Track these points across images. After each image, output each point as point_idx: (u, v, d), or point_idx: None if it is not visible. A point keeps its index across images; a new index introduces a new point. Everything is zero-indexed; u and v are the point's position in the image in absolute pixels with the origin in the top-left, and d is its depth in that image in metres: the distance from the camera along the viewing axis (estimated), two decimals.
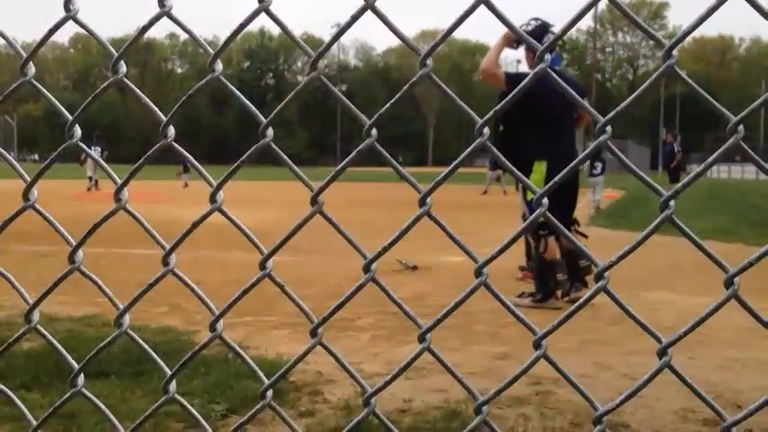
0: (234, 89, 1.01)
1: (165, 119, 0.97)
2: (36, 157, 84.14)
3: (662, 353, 0.90)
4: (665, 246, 8.52)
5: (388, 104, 0.91)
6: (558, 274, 6.29)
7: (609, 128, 0.86)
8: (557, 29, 6.30)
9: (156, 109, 0.98)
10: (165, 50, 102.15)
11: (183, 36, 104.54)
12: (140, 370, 3.91)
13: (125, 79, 1.00)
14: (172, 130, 0.98)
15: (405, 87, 0.90)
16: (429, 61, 0.89)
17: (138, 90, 1.02)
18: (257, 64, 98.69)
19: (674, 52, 0.82)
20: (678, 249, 8.85)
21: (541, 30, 6.11)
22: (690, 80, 0.84)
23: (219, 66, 0.96)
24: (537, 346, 0.95)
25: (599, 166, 16.92)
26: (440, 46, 0.93)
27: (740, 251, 9.50)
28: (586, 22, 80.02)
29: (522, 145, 5.99)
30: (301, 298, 4.90)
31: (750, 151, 0.83)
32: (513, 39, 6.03)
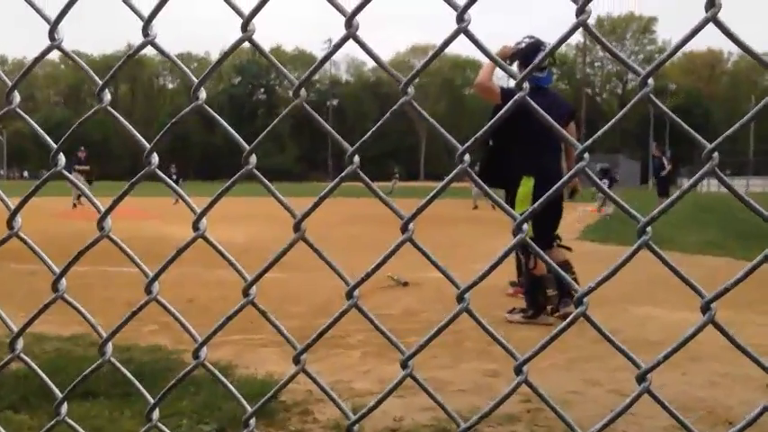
0: (217, 117, 1.02)
1: (148, 146, 0.98)
2: (26, 174, 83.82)
3: (641, 378, 0.91)
4: (650, 260, 8.54)
5: (369, 133, 0.92)
6: (548, 289, 6.30)
7: (587, 155, 0.87)
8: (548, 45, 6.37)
9: (140, 137, 0.99)
10: (155, 66, 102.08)
11: (175, 50, 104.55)
12: (129, 390, 3.88)
13: (109, 108, 1.00)
14: (155, 158, 0.99)
15: (386, 115, 0.91)
16: (410, 89, 0.90)
17: (122, 119, 1.02)
18: (248, 79, 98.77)
19: (650, 80, 0.83)
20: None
21: (534, 47, 6.15)
22: (666, 108, 0.85)
23: (203, 93, 0.97)
24: (518, 371, 0.96)
25: (606, 182, 17.57)
26: (420, 72, 0.93)
27: (729, 265, 9.54)
28: (576, 38, 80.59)
29: (510, 160, 6.05)
30: (289, 316, 4.89)
31: (725, 179, 0.84)
32: (507, 56, 6.10)
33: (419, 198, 0.98)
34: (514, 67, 6.29)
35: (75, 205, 24.08)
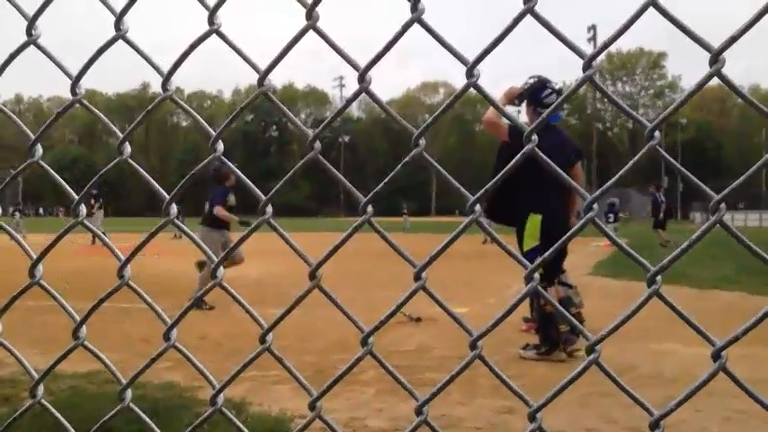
0: (236, 170, 1.04)
1: (168, 197, 1.01)
2: (41, 210, 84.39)
3: (654, 425, 0.91)
4: (669, 295, 8.49)
5: (381, 184, 0.94)
6: (561, 325, 6.27)
7: (596, 205, 0.89)
8: (549, 80, 6.45)
9: (160, 188, 1.02)
10: (169, 104, 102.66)
11: (188, 90, 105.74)
12: (143, 428, 3.88)
13: (130, 160, 1.03)
14: (174, 209, 1.01)
15: (398, 167, 0.93)
16: (422, 141, 0.92)
17: (142, 171, 1.05)
18: (261, 116, 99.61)
19: (657, 133, 0.85)
20: (682, 298, 8.82)
21: (540, 86, 6.26)
22: (672, 159, 0.87)
23: (221, 146, 0.99)
24: (532, 418, 0.96)
25: (611, 216, 18.25)
26: (431, 126, 0.96)
27: (743, 300, 9.46)
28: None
29: (517, 197, 6.08)
30: (306, 352, 4.90)
31: (733, 229, 0.85)
32: (515, 97, 6.21)
33: (431, 233, 1.00)
34: (523, 107, 6.37)
35: (94, 241, 24.20)
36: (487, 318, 1.04)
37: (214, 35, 0.95)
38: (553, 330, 6.18)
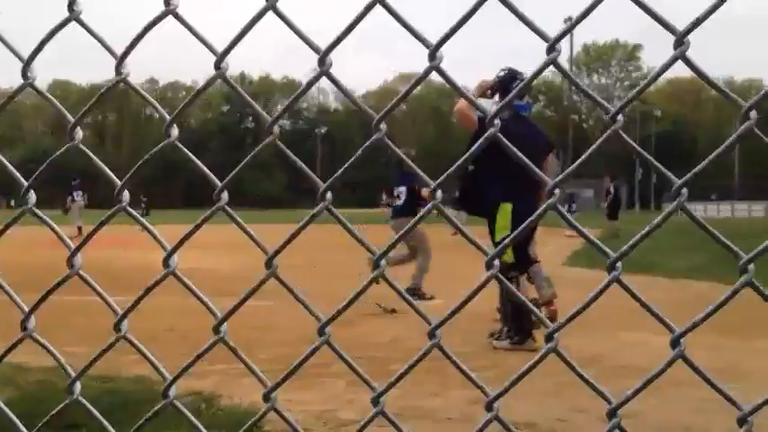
0: (191, 155, 1.01)
1: (119, 183, 0.98)
2: (12, 203, 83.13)
3: (612, 414, 0.90)
4: (640, 284, 8.58)
5: (340, 171, 0.92)
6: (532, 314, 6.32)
7: (557, 191, 0.88)
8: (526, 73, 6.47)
9: (112, 174, 0.99)
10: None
11: (163, 81, 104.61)
12: (111, 421, 3.83)
13: (81, 146, 1.00)
14: (126, 195, 0.98)
15: (358, 152, 0.91)
16: (383, 126, 0.90)
17: (93, 156, 1.02)
18: (237, 107, 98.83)
19: (619, 117, 0.84)
20: (653, 288, 8.91)
21: (511, 77, 6.31)
22: (635, 144, 0.86)
23: (175, 131, 0.97)
24: (489, 408, 0.95)
25: (573, 205, 18.55)
26: (392, 110, 0.94)
27: (713, 290, 9.56)
28: (562, 64, 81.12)
29: (489, 186, 6.13)
30: (276, 344, 4.86)
31: (693, 215, 0.85)
32: (487, 88, 6.25)
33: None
34: (496, 98, 6.40)
35: (75, 237, 23.40)
36: (461, 308, 1.02)
37: (171, 17, 0.92)
38: (525, 320, 6.22)
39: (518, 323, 6.25)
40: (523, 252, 6.34)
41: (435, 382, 4.83)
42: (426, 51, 0.88)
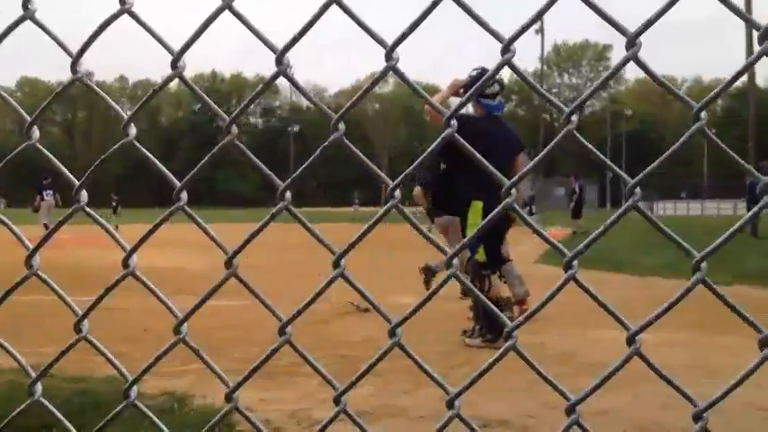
0: (149, 154, 1.01)
1: (77, 183, 0.97)
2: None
3: (570, 410, 0.91)
4: (612, 283, 8.67)
5: (299, 171, 0.92)
6: (504, 312, 6.36)
7: (514, 190, 0.89)
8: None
9: (69, 174, 0.98)
10: (114, 93, 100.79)
11: (133, 78, 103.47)
12: (83, 422, 3.79)
13: (38, 145, 0.99)
14: (84, 195, 0.98)
15: (316, 153, 0.91)
16: (341, 125, 0.91)
17: (51, 155, 1.01)
18: (208, 106, 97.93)
19: (573, 117, 0.85)
20: (624, 286, 9.01)
21: (482, 76, 6.35)
22: (590, 145, 0.87)
23: (133, 130, 0.96)
24: (450, 405, 0.96)
25: (533, 207, 19.58)
26: (349, 110, 0.94)
27: (681, 287, 9.67)
28: (534, 64, 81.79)
29: (460, 185, 6.18)
30: (254, 343, 4.81)
31: (647, 213, 0.86)
32: (460, 87, 6.30)
33: (381, 223, 0.98)
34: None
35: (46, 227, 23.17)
36: (431, 309, 1.03)
37: (126, 15, 0.92)
38: (497, 318, 6.26)
39: (490, 321, 6.28)
40: (495, 251, 6.39)
41: (408, 380, 4.84)
42: (383, 51, 0.89)
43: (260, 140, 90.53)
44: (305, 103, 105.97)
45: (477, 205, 6.18)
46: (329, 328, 6.98)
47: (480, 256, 6.02)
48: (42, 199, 25.10)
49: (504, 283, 7.19)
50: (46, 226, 23.39)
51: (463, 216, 6.30)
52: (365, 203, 54.86)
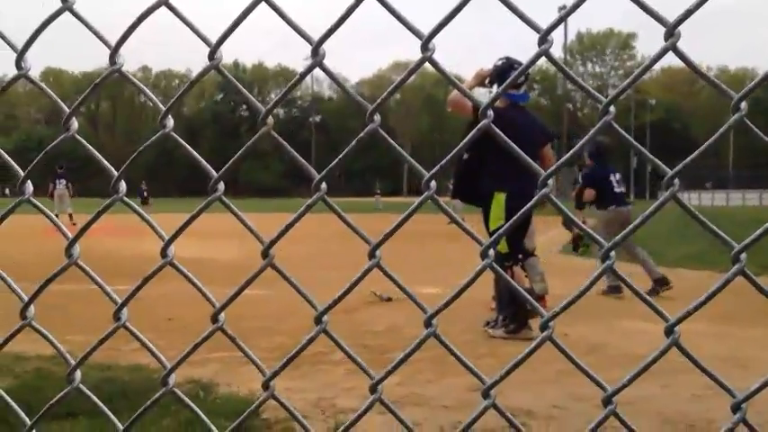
0: (185, 144, 1.02)
1: (116, 173, 0.98)
2: (7, 191, 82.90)
3: (607, 401, 0.91)
4: (639, 274, 8.60)
5: (335, 161, 0.92)
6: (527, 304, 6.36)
7: (551, 181, 0.88)
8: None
9: (109, 165, 0.99)
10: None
11: (156, 69, 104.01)
12: (111, 409, 3.85)
13: (77, 136, 1.01)
14: (123, 186, 0.99)
15: (352, 143, 0.92)
16: (376, 117, 0.91)
17: (90, 147, 1.03)
18: (231, 96, 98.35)
19: (611, 108, 0.85)
20: (646, 276, 8.93)
21: (507, 66, 6.30)
22: (626, 134, 0.87)
23: (170, 122, 0.97)
24: (486, 395, 0.96)
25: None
26: (386, 100, 0.94)
27: (710, 278, 9.60)
28: (557, 53, 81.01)
29: (483, 176, 6.14)
30: (278, 332, 4.85)
31: (686, 205, 0.85)
32: (485, 77, 6.25)
33: (403, 213, 0.98)
34: (494, 88, 6.40)
35: (72, 219, 23.11)
36: (457, 298, 1.03)
37: (165, 8, 0.93)
38: (520, 309, 6.24)
39: (513, 312, 6.27)
40: (518, 242, 6.36)
41: (432, 369, 4.86)
42: (419, 42, 0.89)
43: (282, 131, 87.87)
44: (326, 93, 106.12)
45: (501, 198, 6.15)
46: (353, 318, 7.01)
47: (503, 247, 6.00)
48: (55, 188, 25.00)
49: (526, 276, 7.17)
50: (56, 216, 23.26)
51: (486, 208, 6.27)
52: (387, 194, 54.87)
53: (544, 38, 0.85)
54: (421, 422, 3.87)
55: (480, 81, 6.29)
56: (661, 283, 8.64)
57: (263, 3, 0.90)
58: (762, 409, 3.93)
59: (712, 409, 4.09)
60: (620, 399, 1.00)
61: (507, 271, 6.21)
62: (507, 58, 6.44)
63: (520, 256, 6.56)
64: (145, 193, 32.73)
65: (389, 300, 7.91)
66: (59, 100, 1.03)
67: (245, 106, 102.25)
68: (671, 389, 4.38)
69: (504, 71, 6.24)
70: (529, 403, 4.16)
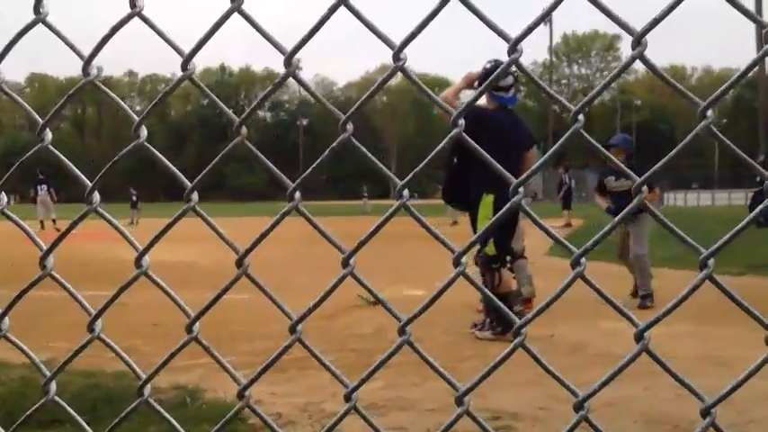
0: (158, 153, 1.02)
1: (90, 184, 0.98)
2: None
3: (578, 406, 0.92)
4: (622, 275, 8.65)
5: (308, 170, 0.93)
6: (514, 306, 6.38)
7: (522, 188, 0.89)
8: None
9: (83, 176, 0.99)
10: (122, 88, 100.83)
11: (142, 73, 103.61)
12: (95, 417, 3.83)
13: (51, 147, 1.01)
14: (97, 196, 0.99)
15: (325, 152, 0.92)
16: (349, 126, 0.91)
17: (63, 157, 1.03)
18: (219, 107, 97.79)
19: (580, 116, 0.86)
20: (628, 278, 8.98)
21: (495, 69, 6.33)
22: (593, 141, 0.88)
23: (144, 132, 0.97)
24: (459, 402, 0.97)
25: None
26: (359, 110, 0.95)
27: (687, 278, 9.59)
28: (542, 55, 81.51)
29: (472, 179, 6.17)
30: (262, 337, 4.84)
31: (656, 211, 0.86)
32: (474, 80, 6.28)
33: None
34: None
35: (42, 227, 22.82)
36: (441, 301, 1.04)
37: (136, 18, 0.93)
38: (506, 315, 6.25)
39: (499, 314, 6.29)
40: (505, 244, 6.38)
41: (417, 372, 4.86)
42: (391, 52, 0.89)
43: (269, 134, 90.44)
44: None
45: (488, 199, 6.18)
46: (339, 321, 7.01)
47: (490, 249, 6.02)
48: (36, 194, 24.59)
49: (514, 278, 7.18)
50: (42, 223, 22.86)
51: (474, 209, 6.29)
52: (375, 197, 54.84)
53: (514, 47, 0.86)
54: (407, 426, 3.87)
55: (469, 83, 6.32)
56: (650, 299, 8.59)
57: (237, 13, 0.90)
58: (743, 408, 3.97)
59: (695, 410, 4.08)
60: (600, 400, 1.01)
61: (495, 273, 6.23)
62: (496, 61, 6.46)
63: (508, 258, 6.57)
64: (134, 197, 32.76)
65: (376, 303, 7.91)
66: (33, 112, 1.03)
67: (231, 110, 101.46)
68: (653, 390, 4.40)
69: (491, 74, 6.28)
70: (514, 405, 4.17)
